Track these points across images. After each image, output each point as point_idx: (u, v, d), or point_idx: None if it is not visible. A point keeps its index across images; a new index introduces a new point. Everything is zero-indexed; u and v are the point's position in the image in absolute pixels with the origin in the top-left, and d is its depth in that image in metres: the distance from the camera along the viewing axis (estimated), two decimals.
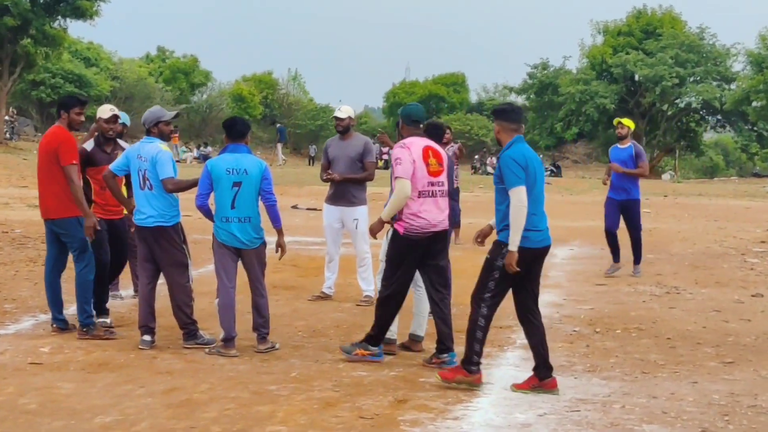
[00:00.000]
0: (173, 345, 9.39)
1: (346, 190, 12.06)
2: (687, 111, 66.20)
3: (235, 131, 9.46)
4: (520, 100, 75.57)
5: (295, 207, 26.45)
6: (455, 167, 18.21)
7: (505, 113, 8.17)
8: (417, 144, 8.92)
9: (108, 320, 10.13)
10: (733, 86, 63.85)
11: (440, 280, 9.01)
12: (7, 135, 50.37)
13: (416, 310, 9.56)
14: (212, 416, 7.06)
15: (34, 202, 23.70)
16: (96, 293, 10.01)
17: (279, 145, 59.42)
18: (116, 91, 66.77)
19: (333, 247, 12.35)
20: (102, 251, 10.04)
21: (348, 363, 8.80)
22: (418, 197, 8.74)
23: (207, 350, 9.26)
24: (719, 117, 66.56)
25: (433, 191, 8.82)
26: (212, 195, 9.30)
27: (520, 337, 10.14)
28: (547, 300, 12.54)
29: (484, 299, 8.02)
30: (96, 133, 10.51)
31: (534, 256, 8.03)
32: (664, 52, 61.46)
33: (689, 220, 25.93)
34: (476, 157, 65.04)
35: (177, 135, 61.21)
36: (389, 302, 8.94)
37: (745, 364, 9.10)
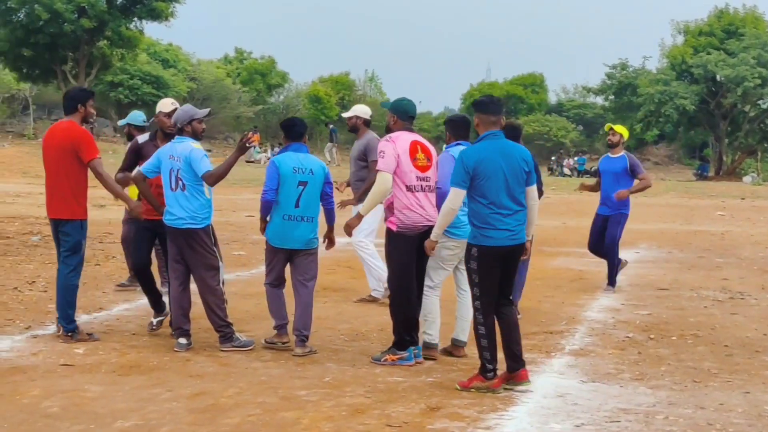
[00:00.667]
0: (210, 347, 9.19)
1: (354, 190, 11.92)
2: None
3: (294, 132, 9.48)
4: (599, 100, 74.85)
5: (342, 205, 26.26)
6: None
7: (483, 105, 8.01)
8: (404, 138, 8.72)
9: (160, 318, 9.88)
10: None
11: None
12: None
13: (459, 314, 9.27)
14: (234, 422, 6.83)
15: (99, 202, 23.81)
16: (149, 294, 9.84)
17: (330, 146, 59.23)
18: (193, 92, 67.21)
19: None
20: (140, 254, 9.80)
21: (385, 368, 8.54)
22: (408, 191, 8.62)
23: (263, 341, 9.26)
24: None
25: (421, 186, 8.68)
26: None
27: (570, 342, 9.87)
28: (604, 304, 12.24)
29: (475, 306, 7.91)
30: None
31: (498, 254, 7.80)
32: (746, 53, 60.33)
33: (764, 223, 25.27)
34: (553, 158, 64.48)
35: (257, 135, 61.48)
36: (397, 302, 8.73)
37: None
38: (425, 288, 8.99)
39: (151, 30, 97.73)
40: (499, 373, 7.89)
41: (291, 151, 9.39)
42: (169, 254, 9.32)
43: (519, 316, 9.03)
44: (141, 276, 9.80)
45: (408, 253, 8.61)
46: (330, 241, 9.59)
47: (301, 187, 9.20)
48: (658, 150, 72.65)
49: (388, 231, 8.71)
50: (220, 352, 9.02)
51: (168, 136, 9.66)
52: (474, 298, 7.89)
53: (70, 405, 7.19)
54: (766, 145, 66.46)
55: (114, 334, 9.64)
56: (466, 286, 8.64)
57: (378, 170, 8.59)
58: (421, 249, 8.44)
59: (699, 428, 6.95)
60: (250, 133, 9.88)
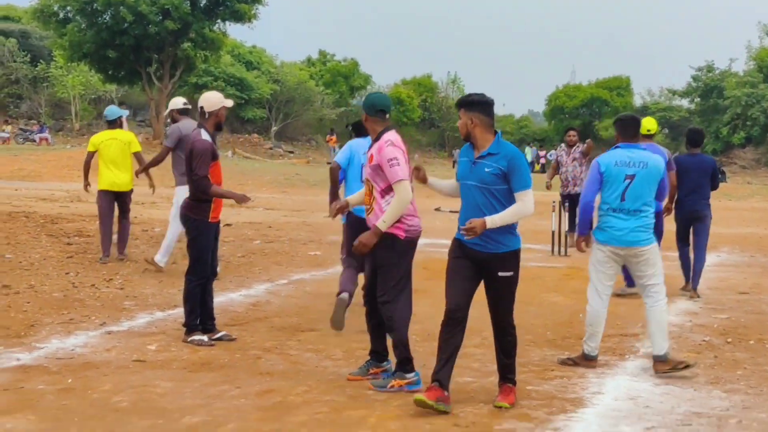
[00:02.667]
0: (281, 346, 9.19)
1: None
2: None
3: (363, 131, 9.99)
4: (684, 103, 73.99)
5: (438, 209, 26.20)
6: (583, 168, 17.66)
7: (488, 105, 7.42)
8: (401, 141, 8.00)
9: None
10: None
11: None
12: None
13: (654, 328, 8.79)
14: (301, 420, 6.83)
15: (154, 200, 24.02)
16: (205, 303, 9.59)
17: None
18: (276, 94, 67.70)
19: None
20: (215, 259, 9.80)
21: (458, 366, 8.45)
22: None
23: None
24: None
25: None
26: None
27: (644, 345, 9.72)
28: (682, 308, 12.07)
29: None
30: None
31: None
32: None
33: None
34: None
35: (334, 137, 61.71)
36: (404, 316, 8.10)
37: None
38: (647, 296, 8.86)
39: (235, 32, 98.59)
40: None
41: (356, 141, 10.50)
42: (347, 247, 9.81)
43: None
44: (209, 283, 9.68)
45: (412, 261, 7.97)
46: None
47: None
48: (745, 154, 71.60)
49: (393, 239, 7.89)
50: (290, 351, 9.03)
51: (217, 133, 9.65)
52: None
53: (139, 400, 7.25)
54: None
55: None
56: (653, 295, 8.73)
57: (399, 180, 7.78)
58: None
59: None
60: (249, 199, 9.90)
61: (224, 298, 11.59)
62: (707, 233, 13.28)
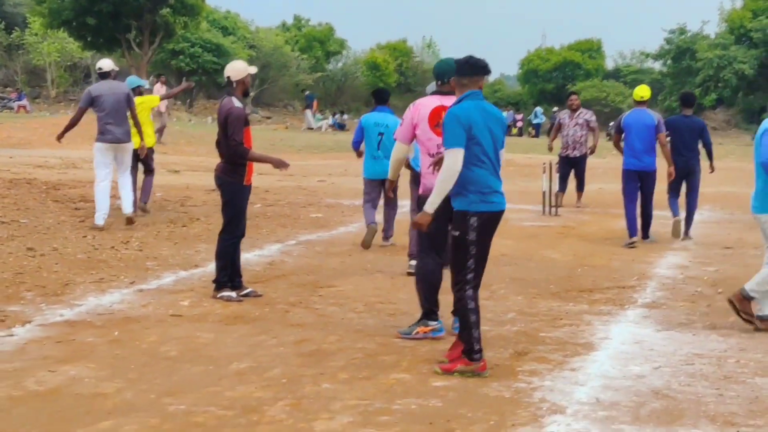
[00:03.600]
0: (305, 301, 9.80)
1: None
2: None
3: (380, 97, 13.73)
4: (657, 65, 74.60)
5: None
6: (584, 133, 18.39)
7: (458, 66, 7.52)
8: (426, 104, 8.72)
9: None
10: None
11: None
12: None
13: None
14: (340, 365, 7.45)
15: (173, 167, 24.58)
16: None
17: (308, 111, 59.44)
18: (253, 59, 67.82)
19: None
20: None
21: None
22: (430, 157, 8.56)
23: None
24: None
25: (439, 153, 8.30)
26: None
27: (642, 296, 10.39)
28: (672, 262, 12.73)
29: (467, 280, 7.37)
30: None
31: (496, 221, 7.43)
32: None
33: None
34: (611, 124, 64.50)
35: (316, 102, 62.06)
36: (424, 270, 8.58)
37: None
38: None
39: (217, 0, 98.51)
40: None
41: (376, 111, 13.59)
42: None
43: (578, 270, 9.52)
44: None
45: (435, 219, 7.56)
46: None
47: (380, 136, 13.26)
48: (716, 115, 72.32)
49: (418, 196, 8.86)
50: (315, 305, 9.64)
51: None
52: (468, 271, 7.35)
53: (186, 350, 7.85)
54: None
55: (212, 288, 10.25)
56: None
57: (394, 138, 9.17)
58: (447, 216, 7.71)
59: None
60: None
61: (244, 256, 12.16)
62: (698, 185, 14.88)
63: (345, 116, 64.17)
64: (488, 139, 7.33)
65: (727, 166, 30.32)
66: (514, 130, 61.75)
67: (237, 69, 9.91)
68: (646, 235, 14.40)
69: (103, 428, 5.92)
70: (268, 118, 66.43)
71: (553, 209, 17.83)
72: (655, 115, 14.38)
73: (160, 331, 8.41)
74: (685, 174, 14.71)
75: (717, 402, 6.68)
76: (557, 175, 18.68)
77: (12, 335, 8.13)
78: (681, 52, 66.98)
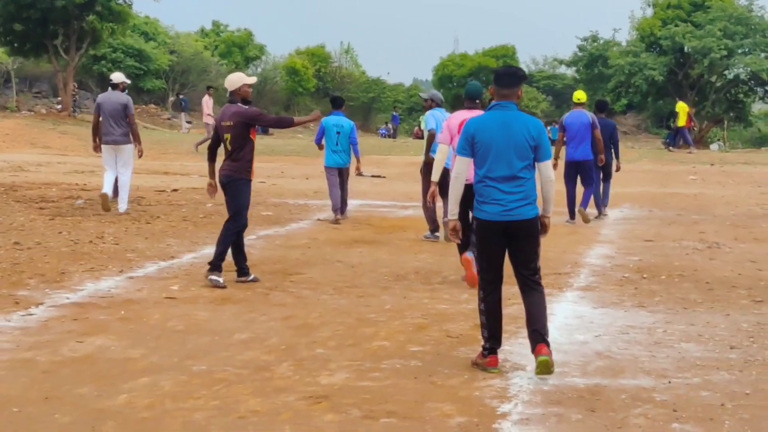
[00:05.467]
0: (281, 286, 10.97)
1: None
2: (735, 82, 66.86)
3: (336, 104, 17.65)
4: (569, 72, 76.59)
5: (360, 174, 27.98)
6: None
7: (496, 76, 7.79)
8: (456, 117, 11.31)
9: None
10: None
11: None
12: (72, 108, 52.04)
13: None
14: (327, 335, 8.66)
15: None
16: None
17: (183, 114, 60.16)
18: (174, 65, 68.48)
19: None
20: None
21: (432, 298, 10.38)
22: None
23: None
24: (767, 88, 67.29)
25: None
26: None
27: (576, 281, 11.71)
28: (600, 253, 14.07)
29: (480, 284, 7.90)
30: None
31: (494, 229, 7.63)
32: (712, 25, 62.17)
33: (734, 186, 27.12)
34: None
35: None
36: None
37: None
38: None
39: (139, 5, 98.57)
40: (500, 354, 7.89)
41: (333, 115, 17.29)
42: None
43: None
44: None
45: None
46: (357, 169, 17.87)
47: (338, 135, 17.02)
48: (626, 120, 74.47)
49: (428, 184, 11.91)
50: (290, 289, 10.81)
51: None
52: (482, 272, 7.87)
53: (189, 324, 8.99)
54: (731, 114, 68.43)
55: (194, 276, 11.38)
56: None
57: (438, 143, 11.77)
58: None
59: (691, 337, 8.82)
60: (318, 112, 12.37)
61: (210, 250, 13.15)
62: (611, 174, 18.95)
63: None
64: (495, 151, 7.52)
65: (641, 168, 32.01)
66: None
67: (230, 81, 11.27)
68: (584, 204, 17.33)
69: (143, 384, 7.06)
70: (189, 122, 67.07)
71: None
72: (590, 115, 17.43)
73: (161, 311, 9.53)
74: (601, 166, 17.90)
75: (650, 361, 8.00)
76: None
77: (31, 314, 9.22)
78: (593, 59, 68.92)
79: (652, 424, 6.38)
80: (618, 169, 18.84)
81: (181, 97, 63.34)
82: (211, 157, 11.50)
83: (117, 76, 17.50)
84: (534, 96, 73.11)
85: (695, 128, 55.65)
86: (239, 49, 78.24)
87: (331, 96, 18.47)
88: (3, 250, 12.57)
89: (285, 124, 11.73)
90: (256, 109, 11.33)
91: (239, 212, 11.21)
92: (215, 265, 10.97)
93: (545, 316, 7.83)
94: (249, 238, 14.35)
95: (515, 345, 8.39)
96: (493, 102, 7.72)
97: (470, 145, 7.64)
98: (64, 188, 20.52)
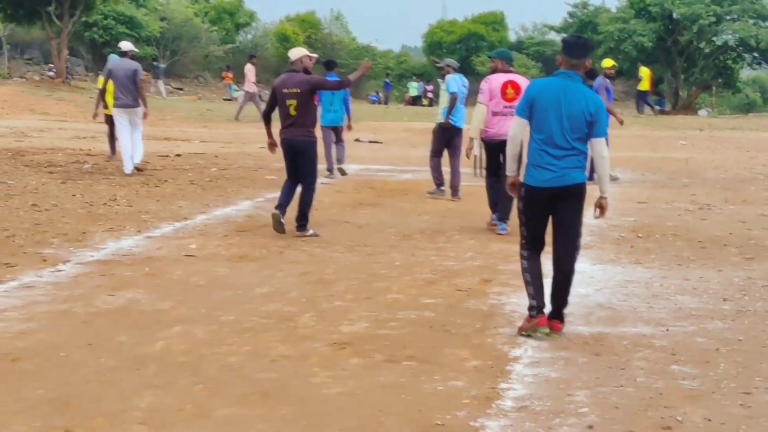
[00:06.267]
0: (293, 245, 11.47)
1: None
2: (724, 49, 67.27)
3: (330, 66, 18.95)
4: (557, 38, 76.91)
5: (357, 140, 28.44)
6: None
7: (567, 45, 7.83)
8: (497, 79, 12.83)
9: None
10: None
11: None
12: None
13: None
14: (343, 289, 9.17)
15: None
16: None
17: (159, 82, 60.21)
18: (165, 31, 68.60)
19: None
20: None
21: (438, 256, 10.90)
22: (493, 116, 12.72)
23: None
24: (756, 54, 67.61)
25: (505, 112, 12.54)
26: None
27: None
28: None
29: (521, 244, 8.01)
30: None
31: (539, 194, 7.75)
32: None
33: (722, 151, 27.67)
34: None
35: (231, 74, 63.12)
36: (488, 187, 13.11)
37: (763, 260, 11.08)
38: None
39: None
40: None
41: (327, 77, 17.26)
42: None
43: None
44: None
45: (491, 157, 12.99)
46: (348, 127, 19.24)
47: (332, 95, 18.30)
48: (615, 86, 74.92)
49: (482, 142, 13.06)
50: (302, 247, 11.31)
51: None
52: (521, 236, 7.98)
53: (211, 279, 9.50)
54: (719, 80, 68.92)
55: (209, 235, 11.88)
56: None
57: (478, 102, 12.84)
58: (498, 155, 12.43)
59: (686, 290, 9.36)
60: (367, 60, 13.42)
61: (221, 212, 13.79)
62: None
63: (261, 87, 65.34)
64: (552, 117, 7.57)
65: (633, 133, 32.55)
66: (425, 101, 63.49)
67: (294, 53, 12.55)
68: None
69: (177, 332, 7.57)
70: (180, 89, 67.34)
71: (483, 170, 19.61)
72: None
73: (182, 267, 10.02)
74: None
75: (649, 311, 8.53)
76: None
77: (60, 271, 9.71)
78: (583, 25, 69.35)
79: (653, 366, 6.91)
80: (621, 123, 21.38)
81: (155, 63, 63.51)
82: (268, 120, 12.49)
83: (126, 45, 18.56)
84: (524, 63, 73.33)
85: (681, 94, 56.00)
86: (229, 16, 78.28)
87: (325, 60, 19.63)
88: (22, 212, 13.04)
89: (345, 85, 12.96)
90: (319, 76, 12.65)
91: (314, 171, 12.37)
92: (302, 225, 12.17)
93: (569, 291, 7.98)
94: (257, 200, 14.92)
95: (521, 298, 8.88)
96: (560, 69, 7.72)
97: (529, 107, 7.65)
98: (69, 153, 20.94)
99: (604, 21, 65.64)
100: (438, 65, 16.47)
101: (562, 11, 71.88)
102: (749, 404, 6.14)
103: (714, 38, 65.96)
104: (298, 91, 11.91)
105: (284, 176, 12.54)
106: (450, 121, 15.71)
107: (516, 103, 10.92)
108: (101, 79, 20.15)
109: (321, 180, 17.40)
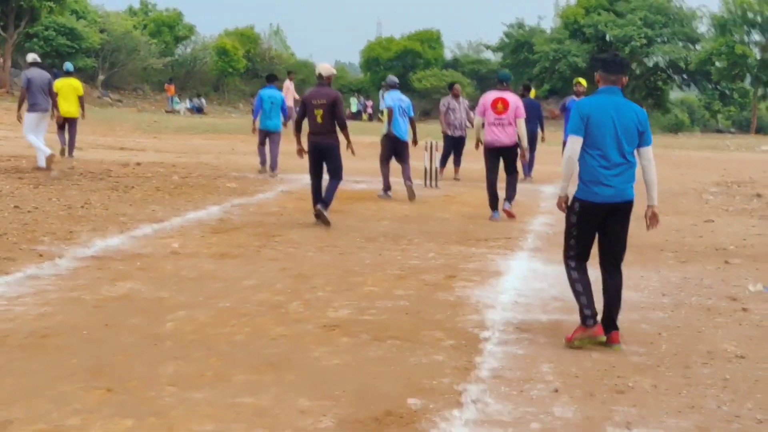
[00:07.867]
0: (268, 244, 12.38)
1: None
2: (654, 70, 69.34)
3: (271, 79, 22.42)
4: (494, 57, 78.38)
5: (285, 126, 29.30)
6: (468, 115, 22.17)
7: (604, 63, 8.06)
8: (489, 95, 15.45)
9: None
10: (698, 47, 67.16)
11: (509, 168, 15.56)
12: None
13: None
14: (323, 282, 10.11)
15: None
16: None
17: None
18: (105, 43, 68.89)
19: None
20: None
21: (404, 254, 11.89)
22: (489, 125, 15.25)
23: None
24: (685, 76, 69.79)
25: (497, 122, 15.17)
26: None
27: (525, 244, 13.27)
28: (542, 221, 15.67)
29: (569, 255, 8.27)
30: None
31: (596, 210, 8.02)
32: (633, 14, 64.55)
33: (656, 167, 28.82)
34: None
35: (173, 86, 63.66)
36: (487, 185, 15.58)
37: (696, 263, 12.21)
38: None
39: None
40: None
41: (267, 88, 21.84)
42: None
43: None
44: None
45: (489, 159, 15.49)
46: (284, 125, 22.21)
47: (272, 105, 21.47)
48: (548, 105, 76.48)
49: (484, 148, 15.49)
50: (277, 247, 12.23)
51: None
52: (569, 248, 8.24)
53: (201, 273, 10.38)
54: (650, 101, 70.77)
55: (188, 236, 12.75)
56: None
57: (476, 115, 15.85)
58: (499, 158, 15.42)
59: (629, 287, 10.31)
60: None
61: (193, 215, 14.64)
62: (536, 147, 23.43)
63: (203, 100, 66.09)
64: (607, 133, 7.83)
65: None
66: (365, 117, 64.50)
67: (326, 68, 14.85)
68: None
69: (182, 315, 8.47)
70: (119, 101, 67.72)
71: (434, 182, 20.68)
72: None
73: (171, 263, 10.90)
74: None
75: (598, 303, 9.50)
76: (438, 153, 21.48)
77: (57, 265, 10.54)
78: (519, 45, 70.93)
79: (605, 347, 7.94)
80: (543, 139, 24.15)
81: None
82: (299, 129, 14.63)
83: (33, 56, 21.58)
84: (459, 80, 74.59)
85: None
86: (169, 29, 78.69)
87: (266, 74, 23.42)
88: (7, 213, 13.81)
89: (342, 124, 14.46)
90: (340, 95, 14.58)
91: (340, 167, 14.43)
92: (325, 205, 14.22)
93: (620, 302, 8.28)
94: (224, 206, 15.77)
95: (484, 290, 9.91)
96: (601, 87, 7.97)
97: (584, 124, 7.83)
98: (32, 160, 21.61)
99: (540, 41, 67.23)
100: (383, 84, 18.93)
101: (498, 30, 73.48)
102: (688, 375, 7.23)
103: (645, 59, 67.83)
104: (325, 102, 14.16)
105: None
106: (393, 132, 18.16)
107: (506, 116, 14.77)
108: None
109: (285, 188, 18.56)
